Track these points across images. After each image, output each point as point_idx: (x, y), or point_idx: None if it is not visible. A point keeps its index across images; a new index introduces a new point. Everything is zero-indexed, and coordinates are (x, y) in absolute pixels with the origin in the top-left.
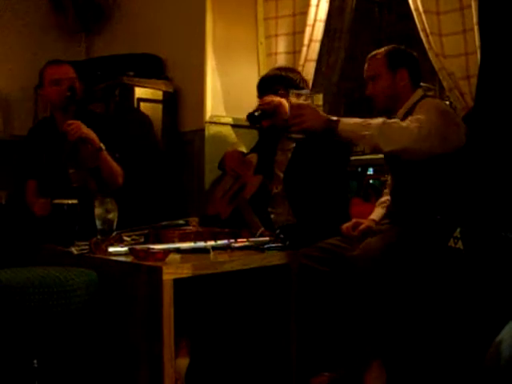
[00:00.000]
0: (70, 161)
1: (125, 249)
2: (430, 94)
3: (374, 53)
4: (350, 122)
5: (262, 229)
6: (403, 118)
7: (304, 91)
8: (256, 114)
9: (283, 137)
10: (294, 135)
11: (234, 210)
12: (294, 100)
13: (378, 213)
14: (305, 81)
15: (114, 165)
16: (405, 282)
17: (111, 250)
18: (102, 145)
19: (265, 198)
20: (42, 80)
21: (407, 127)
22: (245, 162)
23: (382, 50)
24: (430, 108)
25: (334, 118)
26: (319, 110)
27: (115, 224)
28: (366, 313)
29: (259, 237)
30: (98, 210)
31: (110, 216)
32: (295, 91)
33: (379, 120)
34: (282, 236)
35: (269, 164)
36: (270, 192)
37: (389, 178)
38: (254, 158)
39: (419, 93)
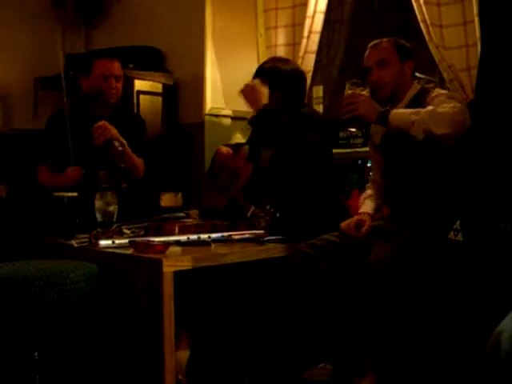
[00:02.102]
0: (100, 163)
1: (117, 241)
2: (429, 86)
3: (377, 41)
4: (400, 111)
5: (253, 207)
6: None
7: (349, 81)
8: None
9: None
10: (349, 128)
11: (229, 202)
12: (346, 90)
13: (370, 206)
14: (297, 74)
15: (136, 158)
16: (418, 284)
17: (102, 243)
18: (124, 141)
19: (257, 182)
20: (89, 69)
21: (453, 112)
22: (235, 155)
23: (387, 39)
24: (447, 98)
25: (386, 108)
26: (373, 101)
27: (115, 217)
28: (379, 313)
29: (251, 216)
30: (98, 203)
31: (110, 209)
32: (350, 81)
33: (427, 107)
34: (272, 210)
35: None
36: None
37: (375, 173)
38: (246, 149)
39: (416, 86)
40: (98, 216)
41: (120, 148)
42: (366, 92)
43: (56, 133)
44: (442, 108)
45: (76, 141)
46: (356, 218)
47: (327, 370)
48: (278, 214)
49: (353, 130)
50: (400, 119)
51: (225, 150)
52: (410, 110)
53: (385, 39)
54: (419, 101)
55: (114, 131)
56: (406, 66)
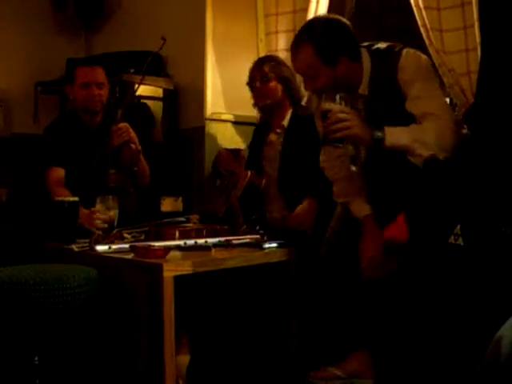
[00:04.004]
0: (113, 162)
1: (114, 246)
2: (376, 45)
3: (299, 48)
4: (399, 137)
5: (244, 226)
6: (371, 89)
7: (339, 94)
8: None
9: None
10: (333, 146)
11: (227, 208)
12: (329, 104)
13: (366, 205)
14: (286, 76)
15: (146, 165)
16: (418, 288)
17: (99, 248)
18: (139, 146)
19: (253, 195)
20: (72, 78)
21: (451, 127)
22: (237, 159)
23: (306, 47)
24: (423, 78)
25: (379, 133)
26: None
27: (116, 221)
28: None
29: (243, 234)
30: (98, 207)
31: (111, 213)
32: (327, 94)
33: (430, 133)
34: (257, 227)
35: (257, 159)
36: (257, 188)
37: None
38: (245, 153)
39: (366, 59)
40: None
41: (135, 150)
42: (349, 106)
43: (55, 142)
44: (446, 128)
45: (76, 147)
46: (370, 255)
47: (330, 373)
48: (261, 231)
49: (338, 147)
50: (403, 146)
51: (226, 153)
52: (412, 136)
53: (304, 46)
54: (381, 74)
55: (133, 135)
56: (339, 66)
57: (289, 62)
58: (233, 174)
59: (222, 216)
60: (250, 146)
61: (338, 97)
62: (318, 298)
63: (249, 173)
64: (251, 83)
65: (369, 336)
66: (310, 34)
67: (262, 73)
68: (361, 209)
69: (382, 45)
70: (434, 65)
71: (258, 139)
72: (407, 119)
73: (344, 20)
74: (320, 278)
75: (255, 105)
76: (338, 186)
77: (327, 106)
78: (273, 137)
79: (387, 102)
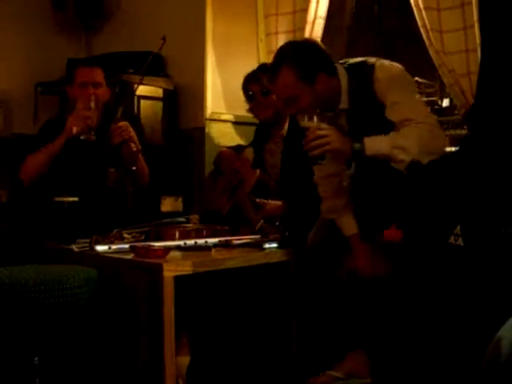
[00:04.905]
0: (113, 160)
1: (114, 247)
2: (352, 64)
3: (275, 71)
4: (379, 146)
5: (262, 221)
6: (352, 103)
7: (316, 112)
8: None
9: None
10: (315, 163)
11: (233, 206)
12: (306, 122)
13: (354, 225)
14: None
15: (145, 165)
16: (418, 289)
17: (99, 248)
18: (139, 146)
19: (264, 192)
20: (71, 78)
21: (431, 130)
22: (240, 158)
23: (284, 67)
24: (399, 85)
25: (357, 144)
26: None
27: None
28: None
29: (259, 230)
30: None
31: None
32: (304, 114)
33: (409, 138)
34: (281, 228)
35: (261, 160)
36: (267, 186)
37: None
38: (250, 153)
39: (343, 74)
40: None
41: (135, 149)
42: (325, 122)
43: (51, 134)
44: (426, 132)
45: (70, 149)
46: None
47: (331, 378)
48: (286, 233)
49: (320, 163)
50: (384, 154)
51: (228, 152)
52: (392, 144)
53: (282, 65)
54: (359, 88)
55: (133, 134)
56: (318, 83)
57: None
58: (237, 172)
59: (225, 214)
60: (254, 144)
61: (314, 115)
62: (317, 298)
63: (257, 171)
64: (251, 96)
65: (366, 336)
66: (285, 58)
67: (261, 86)
68: (348, 227)
69: (356, 59)
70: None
71: (259, 142)
72: (390, 128)
73: (312, 39)
74: (313, 278)
75: (256, 117)
76: (325, 204)
77: (305, 124)
78: (272, 146)
79: (368, 114)
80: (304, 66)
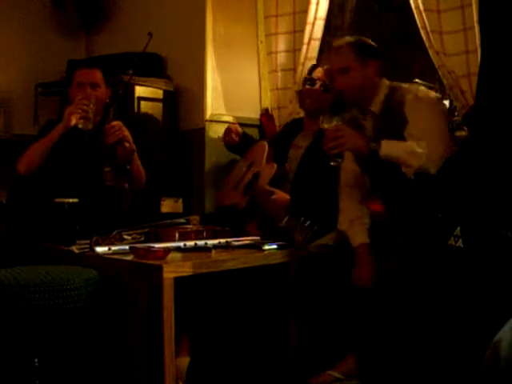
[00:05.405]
0: (108, 159)
1: (114, 248)
2: (396, 84)
3: (338, 43)
4: (393, 148)
5: (288, 216)
6: (382, 110)
7: (335, 116)
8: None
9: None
10: (333, 162)
11: (250, 201)
12: (326, 125)
13: (364, 234)
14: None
15: (141, 167)
16: (417, 291)
17: (99, 250)
18: (134, 145)
19: (282, 185)
20: (71, 79)
21: (444, 144)
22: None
23: (348, 40)
24: (428, 106)
25: (374, 144)
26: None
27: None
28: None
29: (286, 225)
30: None
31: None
32: (326, 116)
33: (422, 146)
34: (308, 223)
35: (282, 158)
36: (285, 177)
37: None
38: (263, 145)
39: (385, 84)
40: None
41: (129, 148)
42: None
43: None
44: (439, 144)
45: (68, 149)
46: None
47: (330, 378)
48: (315, 227)
49: (338, 162)
50: (396, 157)
51: (234, 127)
52: (405, 149)
53: (345, 41)
54: (393, 100)
55: (127, 133)
56: (369, 67)
57: (288, 64)
58: (251, 165)
59: (241, 210)
60: (274, 143)
61: (334, 118)
62: (317, 299)
63: (275, 164)
64: (312, 80)
65: (362, 338)
66: (349, 40)
67: (325, 79)
68: (358, 236)
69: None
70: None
71: (285, 139)
72: None
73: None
74: (316, 281)
75: (301, 103)
76: (342, 214)
77: (325, 126)
78: (301, 141)
79: (392, 127)
80: (362, 47)
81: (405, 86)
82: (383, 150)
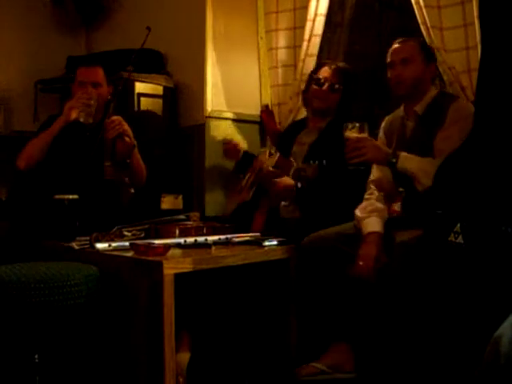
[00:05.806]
0: (108, 154)
1: (114, 245)
2: (445, 91)
3: (406, 38)
4: (410, 163)
5: (295, 164)
6: (425, 112)
7: (356, 124)
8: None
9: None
10: (358, 167)
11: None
12: (348, 133)
13: (379, 224)
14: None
15: (142, 163)
16: (417, 287)
17: (99, 246)
18: (134, 140)
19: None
20: (75, 76)
21: None
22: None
23: (414, 39)
24: (463, 123)
25: (392, 158)
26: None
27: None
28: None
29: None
30: None
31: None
32: (348, 124)
33: (436, 165)
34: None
35: (286, 155)
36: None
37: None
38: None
39: (434, 90)
40: None
41: (129, 142)
42: (366, 133)
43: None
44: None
45: (69, 145)
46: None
47: (314, 369)
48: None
49: (360, 168)
50: (411, 172)
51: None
52: (421, 166)
53: (412, 39)
54: (439, 105)
55: (127, 127)
56: (429, 69)
57: (289, 60)
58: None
59: (230, 216)
60: (279, 143)
61: (357, 126)
62: (315, 294)
63: (294, 162)
64: (320, 81)
65: (361, 333)
66: (416, 38)
67: (332, 80)
68: (373, 224)
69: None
70: None
71: (290, 136)
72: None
73: None
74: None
75: (309, 103)
76: (363, 204)
77: (347, 135)
78: (304, 138)
79: (430, 131)
80: (427, 49)
81: (452, 94)
82: (400, 163)
